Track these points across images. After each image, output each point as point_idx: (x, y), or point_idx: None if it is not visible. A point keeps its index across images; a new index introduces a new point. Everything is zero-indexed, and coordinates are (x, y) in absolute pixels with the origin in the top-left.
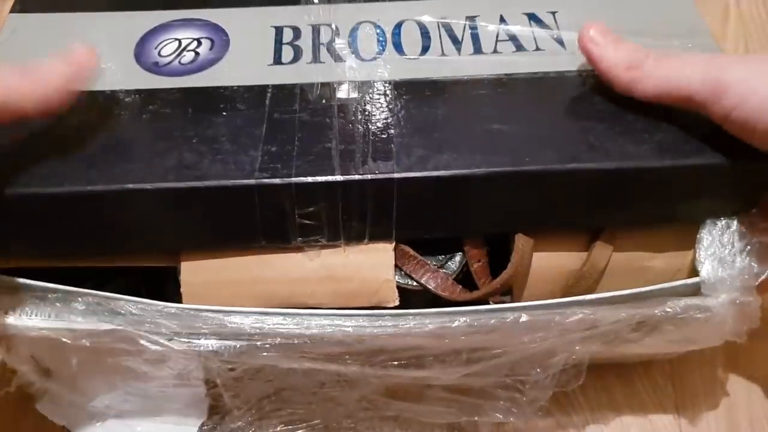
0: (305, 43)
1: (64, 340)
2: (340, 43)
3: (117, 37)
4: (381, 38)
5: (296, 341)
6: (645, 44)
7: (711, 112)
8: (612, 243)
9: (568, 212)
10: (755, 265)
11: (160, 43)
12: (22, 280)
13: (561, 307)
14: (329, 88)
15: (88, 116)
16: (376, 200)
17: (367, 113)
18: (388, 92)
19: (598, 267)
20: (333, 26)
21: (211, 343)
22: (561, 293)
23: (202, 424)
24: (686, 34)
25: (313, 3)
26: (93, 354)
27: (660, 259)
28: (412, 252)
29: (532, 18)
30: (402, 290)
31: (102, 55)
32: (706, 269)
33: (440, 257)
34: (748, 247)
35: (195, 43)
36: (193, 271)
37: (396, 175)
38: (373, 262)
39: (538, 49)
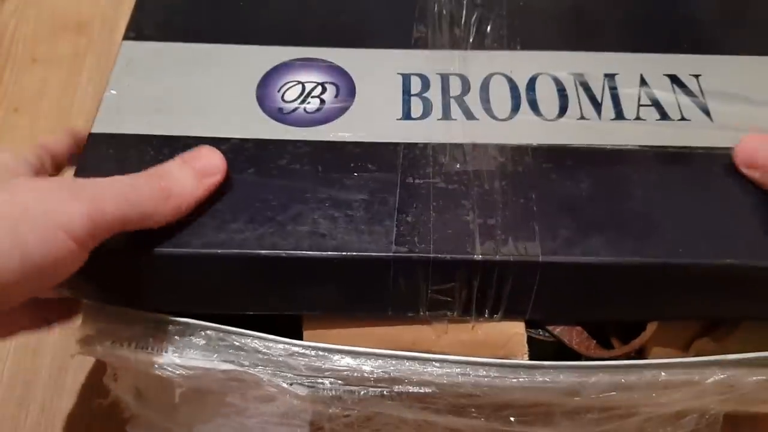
0: (434, 96)
1: (177, 378)
2: (472, 99)
3: (238, 76)
4: (515, 94)
5: (424, 389)
6: None
7: None
8: None
9: (714, 306)
10: None
11: (283, 85)
12: (150, 314)
13: (700, 366)
14: (462, 150)
15: None
16: (514, 282)
17: (505, 183)
18: (527, 158)
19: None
20: (463, 77)
21: (335, 388)
22: (694, 350)
23: None
24: None
25: (441, 48)
26: (198, 388)
27: None
28: None
29: (675, 81)
30: (530, 341)
31: (223, 95)
32: None
33: None
34: None
35: (320, 89)
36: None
37: (541, 259)
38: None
39: (683, 118)
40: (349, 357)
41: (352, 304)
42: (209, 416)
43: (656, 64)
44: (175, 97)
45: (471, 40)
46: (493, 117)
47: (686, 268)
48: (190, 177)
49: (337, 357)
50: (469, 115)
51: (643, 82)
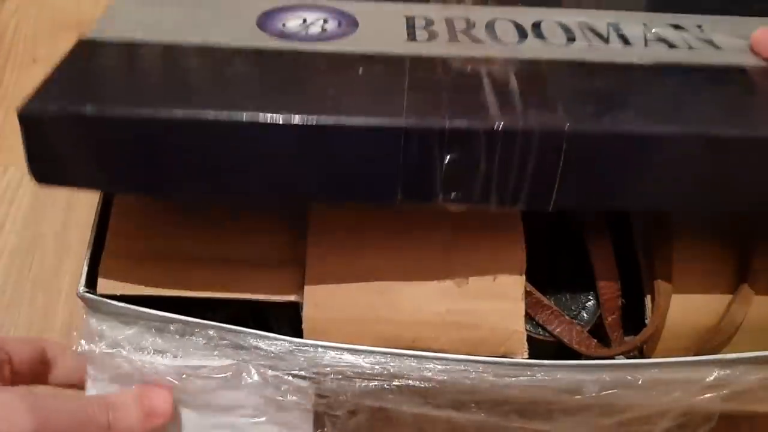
0: (440, 28)
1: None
2: (477, 31)
3: (239, 10)
4: (521, 31)
5: (425, 384)
6: None
7: None
8: (750, 300)
9: (742, 190)
10: None
11: (285, 18)
12: (143, 309)
13: (700, 365)
14: (473, 60)
15: (206, 61)
16: (538, 158)
17: (521, 80)
18: (541, 66)
19: (736, 322)
20: (468, 19)
21: (337, 384)
22: (694, 349)
23: None
24: None
25: (445, 2)
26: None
27: None
28: (546, 301)
29: (678, 27)
30: (530, 340)
31: (223, 22)
32: None
33: (572, 307)
34: None
35: (322, 21)
36: (316, 307)
37: (568, 128)
38: (503, 310)
39: (691, 48)
40: (349, 354)
41: (359, 188)
42: (209, 413)
43: (659, 18)
44: (173, 19)
45: None
46: (501, 43)
47: (722, 141)
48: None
49: (337, 355)
50: (475, 41)
51: (646, 28)
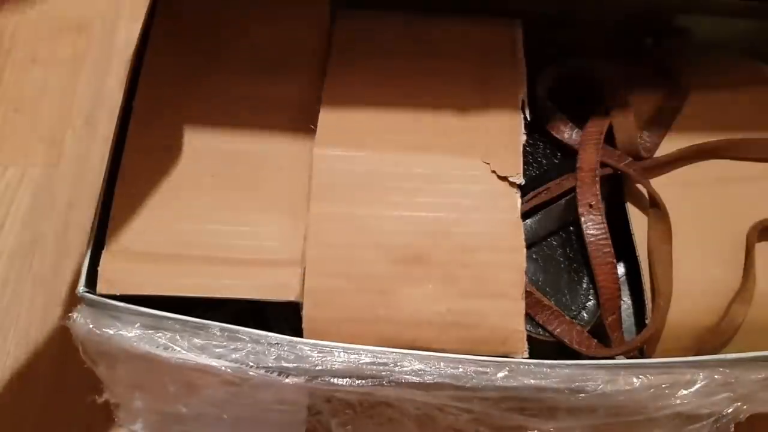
0: None
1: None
2: None
3: None
4: None
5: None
6: None
7: None
8: (750, 300)
9: None
10: None
11: None
12: (143, 309)
13: (700, 365)
14: None
15: None
16: None
17: None
18: None
19: (736, 323)
20: None
21: (346, 384)
22: (694, 349)
23: None
24: None
25: None
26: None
27: None
28: (546, 301)
29: None
30: (530, 339)
31: None
32: None
33: (572, 307)
34: None
35: None
36: (316, 307)
37: None
38: (503, 310)
39: None
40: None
41: None
42: (207, 407)
43: None
44: None
45: None
46: None
47: None
48: None
49: (337, 354)
50: None
51: None
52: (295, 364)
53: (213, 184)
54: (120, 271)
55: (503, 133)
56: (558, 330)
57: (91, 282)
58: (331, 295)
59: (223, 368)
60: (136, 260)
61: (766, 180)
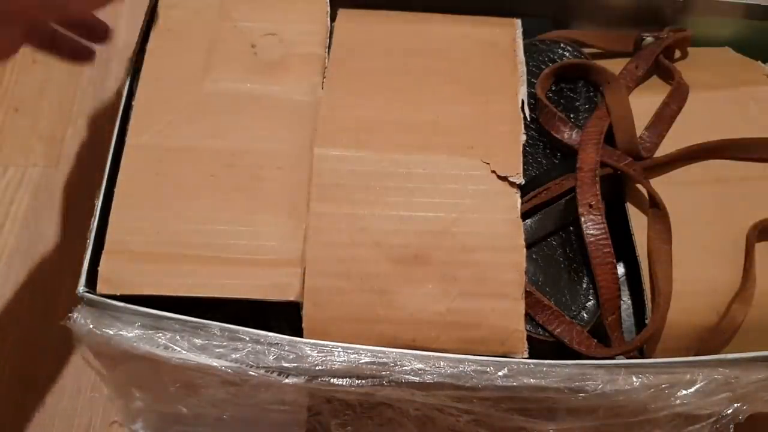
0: None
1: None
2: None
3: None
4: None
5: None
6: None
7: None
8: (750, 300)
9: None
10: None
11: None
12: (143, 309)
13: (700, 365)
14: None
15: None
16: None
17: None
18: None
19: (736, 323)
20: None
21: (346, 384)
22: (694, 349)
23: None
24: None
25: None
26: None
27: None
28: (546, 301)
29: None
30: (530, 339)
31: None
32: None
33: (572, 307)
34: None
35: None
36: (316, 307)
37: None
38: (503, 310)
39: None
40: (349, 353)
41: None
42: (207, 407)
43: None
44: None
45: None
46: None
47: None
48: None
49: (337, 353)
50: None
51: None
52: (295, 364)
53: (213, 185)
54: (120, 271)
55: (503, 133)
56: (558, 330)
57: (91, 282)
58: (331, 294)
59: (223, 368)
60: (136, 260)
61: (766, 180)
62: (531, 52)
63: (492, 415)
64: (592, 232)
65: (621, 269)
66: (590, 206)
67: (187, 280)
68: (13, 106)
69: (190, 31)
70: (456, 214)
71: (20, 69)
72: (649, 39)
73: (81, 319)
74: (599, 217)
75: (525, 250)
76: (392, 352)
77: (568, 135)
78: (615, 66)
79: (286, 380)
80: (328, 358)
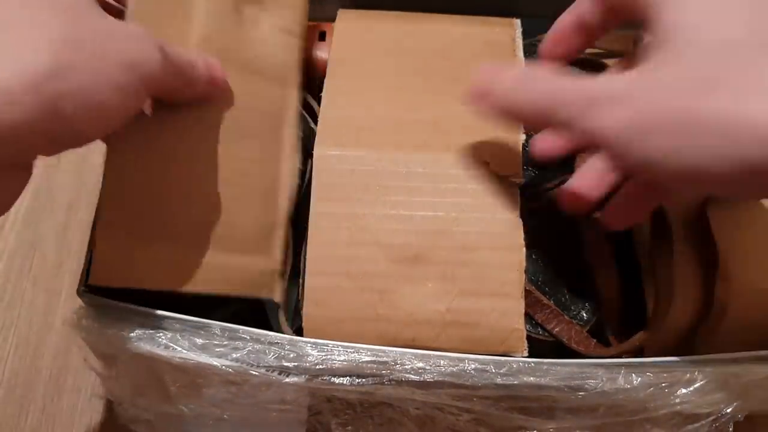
0: None
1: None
2: None
3: None
4: None
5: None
6: None
7: None
8: (730, 277)
9: None
10: None
11: None
12: (143, 309)
13: (699, 364)
14: None
15: None
16: None
17: None
18: None
19: (724, 303)
20: None
21: (347, 383)
22: (693, 347)
23: None
24: None
25: None
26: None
27: None
28: (545, 300)
29: None
30: (529, 339)
31: None
32: None
33: (572, 307)
34: None
35: None
36: (316, 306)
37: None
38: (503, 309)
39: None
40: (350, 352)
41: None
42: (207, 406)
43: None
44: None
45: None
46: None
47: None
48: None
49: (338, 352)
50: None
51: None
52: (295, 363)
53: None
54: (113, 263)
55: (503, 133)
56: (557, 329)
57: None
58: (331, 293)
59: (223, 367)
60: (130, 253)
61: None
62: (531, 52)
63: (492, 414)
64: (592, 232)
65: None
66: None
67: (183, 274)
68: None
69: None
70: (456, 213)
71: None
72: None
73: (81, 319)
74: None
75: (525, 249)
76: (393, 351)
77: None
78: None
79: (287, 379)
80: (328, 357)
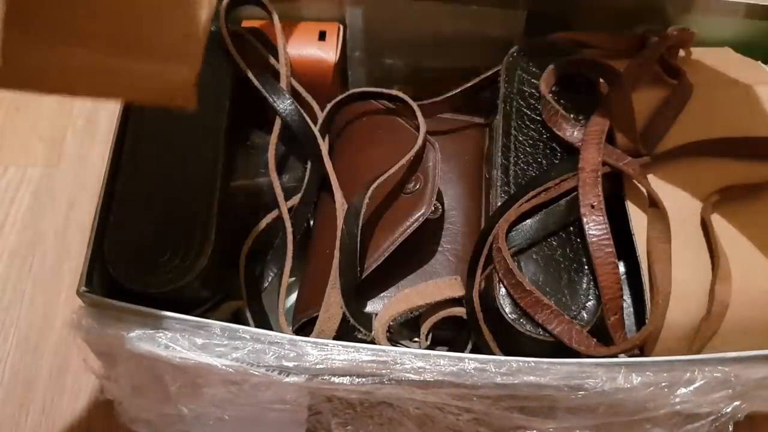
0: None
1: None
2: None
3: None
4: None
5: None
6: None
7: None
8: (729, 277)
9: None
10: None
11: None
12: (143, 309)
13: (700, 363)
14: None
15: None
16: None
17: None
18: None
19: (724, 304)
20: None
21: (347, 383)
22: (693, 347)
23: None
24: None
25: None
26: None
27: None
28: (546, 300)
29: None
30: (530, 339)
31: None
32: None
33: (572, 307)
34: None
35: None
36: None
37: None
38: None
39: None
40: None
41: None
42: (207, 406)
43: None
44: None
45: None
46: None
47: None
48: None
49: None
50: None
51: None
52: (295, 363)
53: None
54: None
55: None
56: (557, 329)
57: (91, 282)
58: None
59: (223, 367)
60: (36, 50)
61: (765, 179)
62: (533, 52)
63: (492, 413)
64: (594, 232)
65: (621, 268)
66: (592, 207)
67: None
68: (13, 106)
69: None
70: None
71: None
72: (653, 39)
73: (81, 319)
74: (601, 218)
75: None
76: (393, 350)
77: (570, 133)
78: (618, 65)
79: (287, 379)
80: (328, 356)
